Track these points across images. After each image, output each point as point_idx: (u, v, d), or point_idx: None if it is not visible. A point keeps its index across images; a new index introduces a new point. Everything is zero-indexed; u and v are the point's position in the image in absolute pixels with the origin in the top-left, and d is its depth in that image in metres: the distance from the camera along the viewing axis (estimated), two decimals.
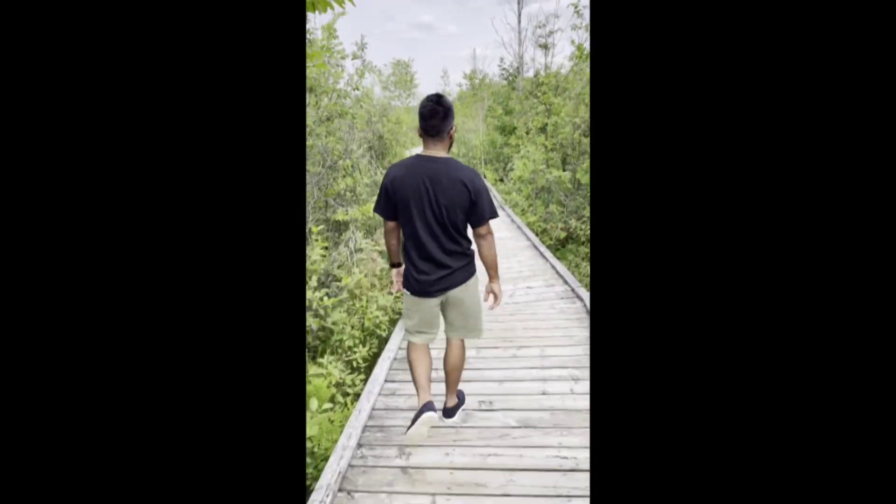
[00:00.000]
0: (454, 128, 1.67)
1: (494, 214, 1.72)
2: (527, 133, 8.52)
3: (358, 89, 4.92)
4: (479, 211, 1.65)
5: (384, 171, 6.70)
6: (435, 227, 1.65)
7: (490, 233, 1.76)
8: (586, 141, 6.53)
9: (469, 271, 1.78)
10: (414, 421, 1.74)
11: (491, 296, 1.84)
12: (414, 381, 1.85)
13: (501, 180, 11.59)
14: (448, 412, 2.01)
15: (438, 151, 1.65)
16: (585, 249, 5.49)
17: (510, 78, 12.13)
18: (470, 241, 1.76)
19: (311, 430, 2.11)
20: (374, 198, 2.66)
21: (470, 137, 17.11)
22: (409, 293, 1.80)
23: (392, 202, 1.67)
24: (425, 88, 31.69)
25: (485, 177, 11.11)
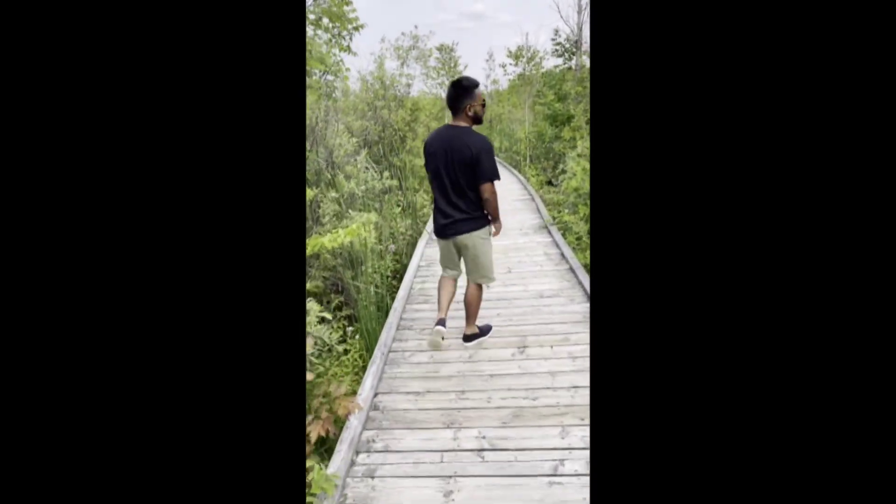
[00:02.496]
0: (469, 106, 2.24)
1: (495, 177, 2.26)
2: (587, 123, 6.44)
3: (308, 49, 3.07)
4: (478, 172, 2.20)
5: (384, 174, 5.37)
6: (447, 183, 2.26)
7: (493, 193, 2.28)
8: None
9: (472, 225, 2.32)
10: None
11: (492, 228, 2.45)
12: (438, 301, 2.60)
13: (550, 183, 9.49)
14: (466, 338, 2.63)
15: (459, 122, 2.27)
16: None
17: (566, 54, 9.94)
18: (477, 201, 2.29)
19: None
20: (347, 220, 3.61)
21: (515, 128, 15.00)
22: (433, 234, 2.50)
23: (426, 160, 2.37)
24: (469, 73, 29.74)
25: (528, 179, 9.05)
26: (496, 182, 2.27)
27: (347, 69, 8.02)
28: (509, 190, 7.97)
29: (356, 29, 7.95)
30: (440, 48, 24.22)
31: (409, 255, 4.64)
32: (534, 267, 3.92)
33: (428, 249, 4.62)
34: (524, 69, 10.81)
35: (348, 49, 7.87)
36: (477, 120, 2.30)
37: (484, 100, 2.31)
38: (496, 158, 2.38)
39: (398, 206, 5.58)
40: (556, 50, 10.30)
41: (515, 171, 10.60)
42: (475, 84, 2.29)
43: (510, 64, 10.92)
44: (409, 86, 7.36)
